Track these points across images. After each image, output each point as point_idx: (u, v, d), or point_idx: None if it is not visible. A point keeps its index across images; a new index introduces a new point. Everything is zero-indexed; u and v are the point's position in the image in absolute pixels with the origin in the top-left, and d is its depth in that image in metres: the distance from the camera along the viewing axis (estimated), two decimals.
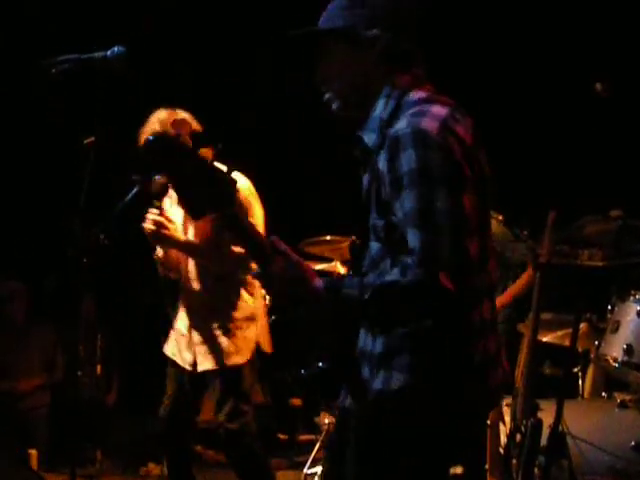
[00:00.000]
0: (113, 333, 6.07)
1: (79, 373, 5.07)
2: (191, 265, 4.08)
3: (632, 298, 3.86)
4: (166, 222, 3.88)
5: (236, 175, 3.81)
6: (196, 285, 4.07)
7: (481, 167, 2.16)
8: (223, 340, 4.01)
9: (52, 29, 5.50)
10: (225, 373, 4.03)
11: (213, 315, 4.04)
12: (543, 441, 3.31)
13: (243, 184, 3.89)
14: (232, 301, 4.05)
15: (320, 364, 2.23)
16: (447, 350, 2.09)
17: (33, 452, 5.16)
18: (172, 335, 4.17)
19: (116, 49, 2.68)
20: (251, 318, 4.08)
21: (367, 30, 2.17)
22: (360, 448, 2.20)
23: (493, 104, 6.09)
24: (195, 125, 3.91)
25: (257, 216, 3.95)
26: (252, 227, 2.19)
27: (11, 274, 5.93)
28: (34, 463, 5.18)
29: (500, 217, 4.66)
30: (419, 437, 2.14)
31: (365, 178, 2.23)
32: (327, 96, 2.27)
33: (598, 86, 4.46)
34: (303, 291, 2.08)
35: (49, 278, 6.17)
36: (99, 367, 5.73)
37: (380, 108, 2.18)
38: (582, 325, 4.24)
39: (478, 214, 2.08)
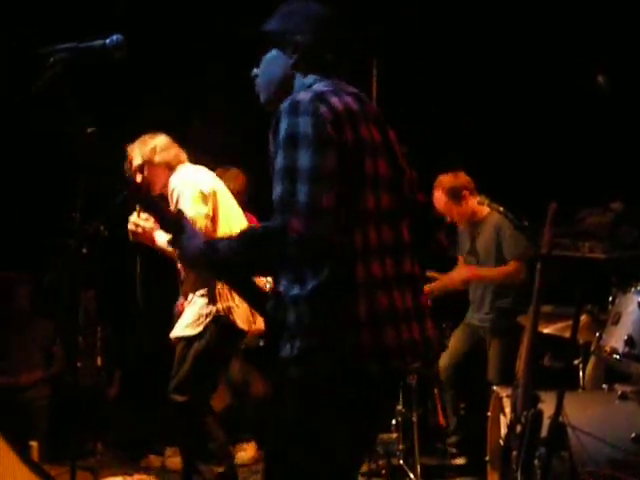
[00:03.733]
0: (114, 324, 6.07)
1: (79, 365, 5.07)
2: None
3: (633, 289, 3.84)
4: (141, 223, 4.14)
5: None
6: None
7: (370, 134, 2.43)
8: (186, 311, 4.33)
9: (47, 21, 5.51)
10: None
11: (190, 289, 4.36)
12: (543, 432, 3.30)
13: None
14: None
15: (261, 342, 2.47)
16: (332, 307, 2.32)
17: (34, 444, 5.15)
18: None
19: (115, 37, 2.67)
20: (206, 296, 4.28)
21: (293, 36, 2.51)
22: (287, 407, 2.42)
23: (496, 97, 6.09)
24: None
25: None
26: (160, 203, 2.68)
27: (16, 264, 5.95)
28: (35, 455, 5.17)
29: (501, 208, 4.66)
30: (327, 393, 2.35)
31: None
32: (257, 88, 2.60)
33: (600, 78, 4.46)
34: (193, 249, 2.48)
35: (49, 270, 6.17)
36: (99, 359, 5.72)
37: None
38: (583, 317, 4.24)
39: (359, 173, 2.35)
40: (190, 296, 4.31)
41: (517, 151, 6.02)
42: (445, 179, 5.36)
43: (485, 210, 5.33)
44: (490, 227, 5.32)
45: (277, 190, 2.28)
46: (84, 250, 3.38)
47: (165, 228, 2.66)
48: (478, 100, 6.12)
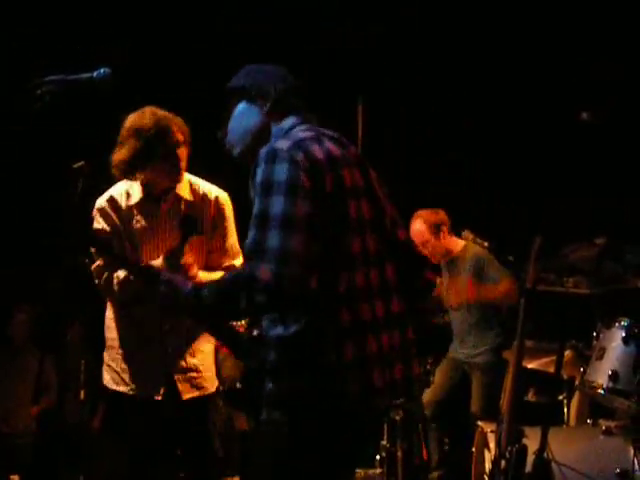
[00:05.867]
0: (97, 358, 6.03)
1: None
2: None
3: (617, 325, 3.86)
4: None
5: (214, 189, 3.85)
6: None
7: (353, 178, 2.53)
8: (204, 363, 3.73)
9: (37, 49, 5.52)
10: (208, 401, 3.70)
11: (190, 335, 3.70)
12: (528, 468, 3.29)
13: (223, 196, 3.81)
14: None
15: (238, 384, 2.64)
16: (313, 352, 2.38)
17: (15, 478, 5.12)
18: (120, 365, 3.81)
19: (102, 70, 2.68)
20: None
21: (264, 86, 2.65)
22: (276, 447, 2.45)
23: (483, 130, 6.13)
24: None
25: (232, 229, 3.82)
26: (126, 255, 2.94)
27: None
28: None
29: (486, 244, 4.67)
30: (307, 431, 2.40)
31: None
32: (228, 145, 2.71)
33: (584, 115, 4.50)
34: (177, 299, 2.53)
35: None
36: (82, 393, 5.69)
37: None
38: (567, 352, 4.25)
39: (342, 218, 2.44)
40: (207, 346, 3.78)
41: (501, 185, 6.06)
42: (426, 213, 5.43)
43: (458, 247, 5.39)
44: (468, 262, 5.33)
45: (249, 236, 2.37)
46: (69, 284, 3.34)
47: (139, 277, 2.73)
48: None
